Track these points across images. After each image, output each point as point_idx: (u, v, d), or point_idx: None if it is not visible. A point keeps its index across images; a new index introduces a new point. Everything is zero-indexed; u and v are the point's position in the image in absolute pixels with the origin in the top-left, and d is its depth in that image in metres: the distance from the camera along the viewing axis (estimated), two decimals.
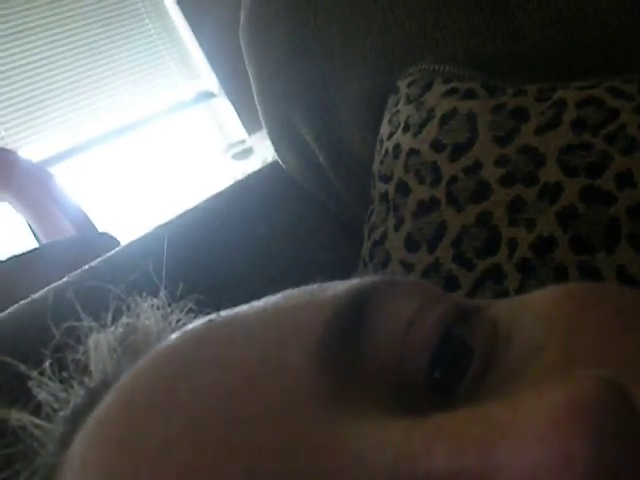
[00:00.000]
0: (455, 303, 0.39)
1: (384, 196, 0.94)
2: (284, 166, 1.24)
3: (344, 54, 1.11)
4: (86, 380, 0.50)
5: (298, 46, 1.17)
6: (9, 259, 1.82)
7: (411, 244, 0.86)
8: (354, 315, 0.37)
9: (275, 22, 1.20)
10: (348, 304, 0.38)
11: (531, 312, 0.38)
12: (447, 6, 0.98)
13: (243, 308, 0.42)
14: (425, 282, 0.43)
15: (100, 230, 2.13)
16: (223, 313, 0.43)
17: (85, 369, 0.52)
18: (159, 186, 3.57)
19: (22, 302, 0.91)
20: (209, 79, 3.88)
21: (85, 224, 2.14)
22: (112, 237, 1.83)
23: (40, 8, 3.49)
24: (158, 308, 0.55)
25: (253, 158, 3.70)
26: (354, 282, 0.40)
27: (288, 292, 0.42)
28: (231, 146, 3.84)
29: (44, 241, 2.22)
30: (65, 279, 0.92)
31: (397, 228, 0.89)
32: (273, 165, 1.27)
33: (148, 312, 0.54)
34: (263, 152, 3.40)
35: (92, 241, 1.86)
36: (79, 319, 0.55)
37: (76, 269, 0.95)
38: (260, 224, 1.08)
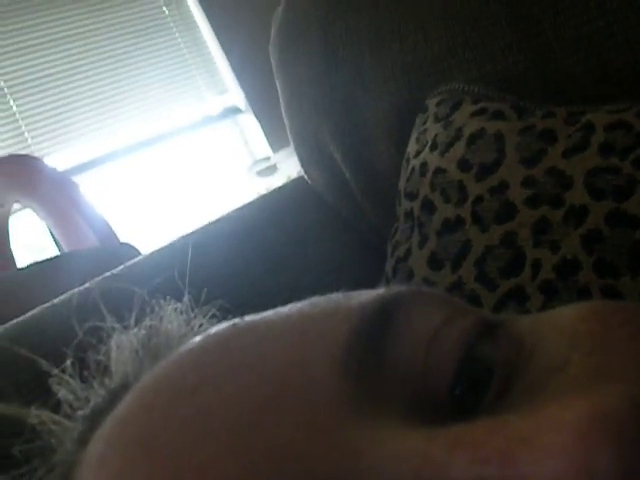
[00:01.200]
0: (480, 317, 0.39)
1: (409, 214, 0.95)
2: (310, 181, 1.25)
3: (373, 71, 1.12)
4: (107, 380, 0.51)
5: (328, 62, 1.18)
6: (30, 266, 1.83)
7: (434, 262, 0.87)
8: (380, 323, 0.38)
9: (305, 38, 1.21)
10: (374, 312, 0.38)
11: (556, 327, 0.38)
12: (478, 27, 0.99)
13: (268, 314, 0.43)
14: (451, 295, 0.43)
15: (122, 241, 2.15)
16: (248, 318, 0.43)
17: (106, 369, 0.52)
18: (183, 200, 3.58)
19: (44, 305, 0.93)
20: (236, 95, 3.89)
21: (108, 234, 2.15)
22: (134, 248, 1.84)
23: (71, 19, 3.53)
24: (181, 312, 0.56)
25: (277, 175, 3.71)
26: (380, 291, 0.40)
27: (314, 299, 0.43)
28: (256, 163, 3.85)
29: (66, 249, 2.23)
30: (88, 284, 0.94)
31: (421, 246, 0.90)
32: (299, 180, 1.28)
33: (171, 316, 0.55)
34: (288, 170, 3.41)
35: (114, 252, 1.87)
36: (102, 320, 0.56)
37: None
38: (284, 237, 1.09)
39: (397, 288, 0.40)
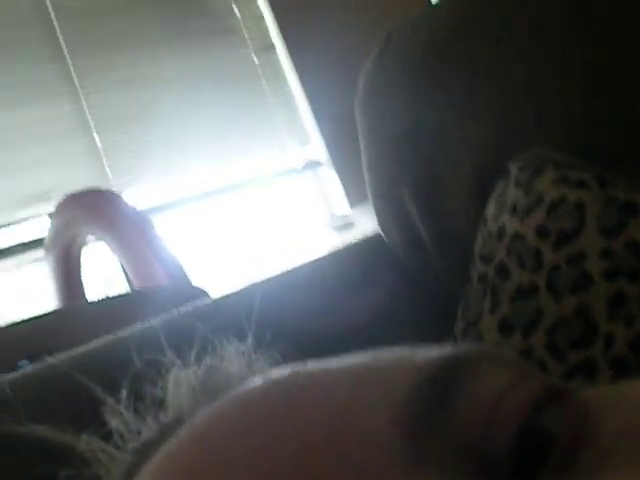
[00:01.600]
0: (548, 382, 0.38)
1: (483, 277, 0.94)
2: (385, 237, 1.25)
3: (457, 132, 1.12)
4: (161, 415, 0.51)
5: (412, 120, 1.19)
6: (101, 301, 1.86)
7: (505, 328, 0.87)
8: (443, 383, 0.37)
9: (392, 94, 1.23)
10: (438, 370, 0.38)
11: (628, 398, 0.38)
12: (566, 92, 0.99)
13: (330, 361, 0.42)
14: (520, 357, 0.43)
15: (194, 284, 2.16)
16: (310, 364, 0.43)
17: (161, 404, 0.52)
18: (257, 249, 3.60)
19: (108, 337, 0.94)
20: (318, 147, 3.93)
21: (179, 276, 2.17)
22: (205, 292, 1.85)
23: (162, 59, 3.61)
24: (243, 354, 0.56)
25: (354, 231, 3.72)
26: (447, 348, 0.40)
27: (378, 351, 0.42)
28: (333, 217, 3.87)
29: (136, 286, 2.26)
30: (153, 320, 0.95)
31: (493, 311, 0.90)
32: (374, 236, 1.28)
33: (233, 356, 0.55)
34: (364, 226, 3.42)
35: (185, 293, 1.88)
36: (162, 354, 0.56)
37: None
38: (354, 290, 1.09)
39: (464, 346, 0.40)
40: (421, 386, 0.37)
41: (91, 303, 2.41)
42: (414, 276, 1.21)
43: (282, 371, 0.42)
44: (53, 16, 3.38)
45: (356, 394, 0.38)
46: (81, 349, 0.93)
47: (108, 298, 1.86)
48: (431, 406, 0.36)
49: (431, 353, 0.40)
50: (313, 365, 0.43)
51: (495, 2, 1.15)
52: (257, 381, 0.42)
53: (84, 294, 2.55)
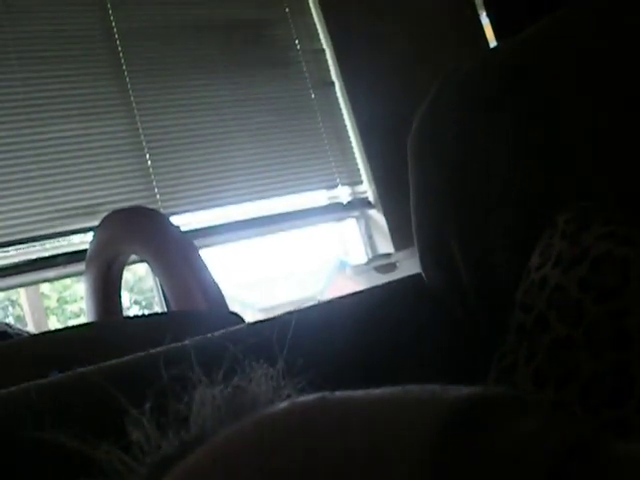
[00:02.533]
0: (577, 433, 0.38)
1: (521, 326, 0.94)
2: (426, 279, 1.25)
3: (504, 180, 1.13)
4: (183, 431, 0.51)
5: (462, 165, 1.19)
6: (138, 317, 1.86)
7: (539, 379, 0.86)
8: (472, 424, 0.37)
9: (444, 138, 1.23)
10: (468, 411, 0.38)
11: None
12: (621, 146, 0.99)
13: (358, 393, 0.42)
14: (551, 405, 0.42)
15: (231, 310, 2.16)
16: (338, 393, 0.43)
17: (185, 420, 0.52)
18: (296, 280, 3.61)
19: (139, 353, 0.95)
20: (367, 187, 3.93)
21: (218, 301, 2.17)
22: (241, 319, 1.85)
23: (219, 86, 3.65)
24: (272, 378, 0.55)
25: (396, 274, 3.71)
26: (477, 389, 0.40)
27: (408, 386, 0.42)
28: (376, 257, 3.86)
29: (173, 307, 2.26)
30: (186, 341, 0.96)
31: (528, 361, 0.89)
32: (415, 277, 1.28)
33: (261, 379, 0.55)
34: (407, 269, 3.41)
35: (221, 319, 1.88)
36: (191, 371, 0.56)
37: None
38: (388, 327, 1.09)
39: (495, 390, 0.39)
40: (449, 427, 0.36)
41: (127, 319, 2.41)
42: (452, 319, 1.21)
43: (309, 399, 0.42)
44: (117, 35, 3.44)
45: (384, 428, 0.37)
46: (110, 362, 0.94)
47: (144, 316, 1.86)
48: (458, 448, 0.36)
49: (461, 392, 0.39)
50: (340, 395, 0.43)
51: (546, 53, 1.15)
52: (283, 406, 0.42)
53: (121, 311, 2.56)
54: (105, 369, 0.92)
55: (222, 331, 1.02)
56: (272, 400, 0.52)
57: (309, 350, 0.85)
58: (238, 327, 1.02)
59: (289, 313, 1.09)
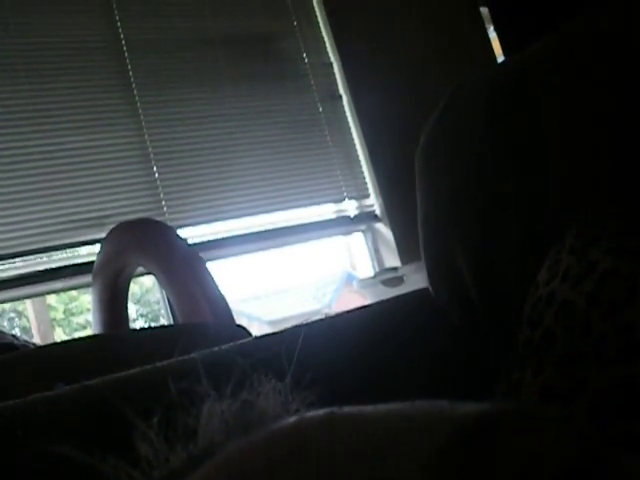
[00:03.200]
0: (586, 447, 0.38)
1: (528, 341, 0.94)
2: (433, 293, 1.25)
3: (513, 196, 1.13)
4: (191, 445, 0.51)
5: (470, 180, 1.19)
6: (144, 329, 1.86)
7: (547, 394, 0.86)
8: (479, 439, 0.37)
9: (452, 152, 1.23)
10: (475, 426, 0.38)
11: None
12: (625, 163, 0.99)
13: (367, 408, 0.42)
14: (561, 420, 0.42)
15: (237, 323, 2.16)
16: (346, 408, 0.43)
17: (193, 434, 0.52)
18: (301, 293, 3.60)
19: (146, 366, 0.95)
20: (374, 201, 3.93)
21: (225, 314, 2.17)
22: (248, 332, 1.84)
23: (227, 98, 3.65)
24: (280, 393, 0.55)
25: (403, 288, 3.71)
26: (485, 405, 0.40)
27: (417, 402, 0.42)
28: (383, 271, 3.86)
29: (179, 319, 2.27)
30: (194, 354, 0.95)
31: (535, 376, 0.89)
32: (422, 291, 1.28)
33: (269, 394, 0.55)
34: (414, 284, 3.41)
35: (228, 332, 1.88)
36: (199, 384, 0.56)
37: None
38: (395, 341, 1.09)
39: (503, 404, 0.39)
40: (457, 440, 0.37)
41: (133, 331, 2.42)
42: (459, 334, 1.20)
43: (317, 414, 0.43)
44: (125, 47, 3.45)
45: (392, 443, 0.37)
46: (118, 375, 0.94)
47: (151, 328, 1.86)
48: (465, 461, 0.36)
49: (469, 408, 0.39)
50: (349, 410, 0.42)
51: (552, 70, 1.15)
52: (291, 421, 0.42)
53: (127, 323, 2.57)
54: (112, 382, 0.92)
55: (230, 344, 1.02)
56: (280, 415, 0.52)
57: (317, 364, 0.85)
58: (246, 341, 1.02)
59: (297, 327, 1.09)
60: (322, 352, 1.00)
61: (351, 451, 0.37)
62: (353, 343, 1.08)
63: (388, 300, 1.27)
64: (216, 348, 1.02)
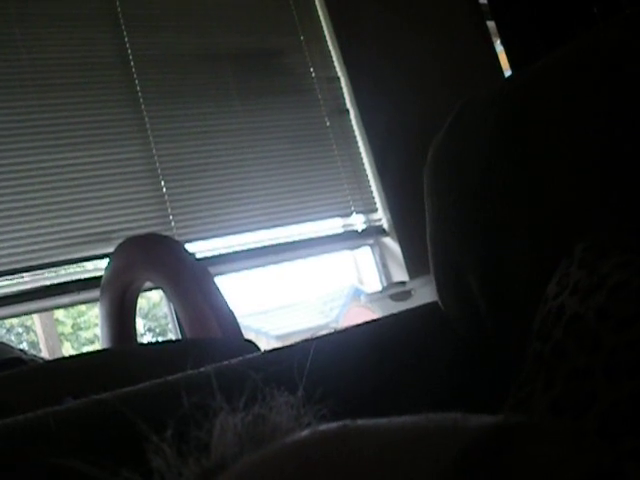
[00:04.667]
0: (599, 461, 0.38)
1: (538, 355, 0.94)
2: (443, 307, 1.25)
3: (522, 209, 1.13)
4: (203, 459, 0.51)
5: (479, 193, 1.20)
6: (151, 345, 1.86)
7: (556, 409, 0.86)
8: (494, 452, 0.37)
9: (461, 166, 1.24)
10: (490, 438, 0.38)
11: None
12: (628, 175, 1.00)
13: (381, 421, 0.42)
14: (574, 432, 0.42)
15: (246, 338, 2.16)
16: (360, 421, 0.43)
17: (205, 447, 0.52)
18: (309, 308, 3.60)
19: (155, 380, 0.95)
20: (382, 215, 3.93)
21: (233, 329, 2.17)
22: (256, 346, 1.84)
23: (235, 114, 3.66)
24: (292, 407, 0.56)
25: (411, 302, 3.70)
26: (499, 417, 0.40)
27: (430, 414, 0.42)
28: (391, 286, 3.86)
29: (187, 334, 2.27)
30: (207, 368, 0.96)
31: (545, 390, 0.89)
32: (431, 305, 1.28)
33: (282, 408, 0.55)
34: (422, 298, 3.40)
35: (236, 346, 1.88)
36: (212, 397, 0.56)
37: None
38: (407, 356, 1.10)
39: (517, 417, 0.39)
40: (471, 453, 0.37)
41: (141, 346, 2.42)
42: (469, 347, 1.21)
43: (331, 427, 0.43)
44: (132, 62, 3.46)
45: (406, 455, 0.38)
46: (129, 389, 0.94)
47: (158, 343, 1.86)
48: (482, 472, 0.36)
49: (483, 421, 0.40)
50: (362, 423, 0.43)
51: (562, 81, 1.16)
52: (305, 434, 0.42)
53: (135, 337, 2.57)
54: (125, 396, 0.92)
55: (241, 358, 1.02)
56: (293, 428, 0.52)
57: (328, 378, 0.85)
58: (257, 355, 1.02)
59: (307, 341, 1.10)
60: (333, 366, 1.01)
61: (366, 464, 0.37)
62: (363, 357, 1.09)
63: (397, 314, 1.27)
64: (228, 362, 1.02)
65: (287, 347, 1.08)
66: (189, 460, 0.52)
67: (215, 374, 0.63)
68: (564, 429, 0.43)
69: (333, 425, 0.43)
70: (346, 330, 1.16)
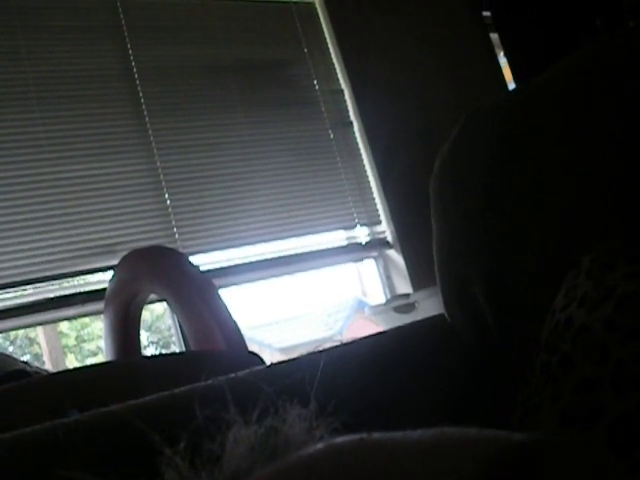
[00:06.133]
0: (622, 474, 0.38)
1: (546, 366, 0.94)
2: (449, 319, 1.26)
3: (529, 221, 1.13)
4: (216, 472, 0.51)
5: (486, 205, 1.20)
6: (155, 357, 1.86)
7: (565, 420, 0.86)
8: (514, 470, 0.37)
9: (467, 178, 1.24)
10: (510, 458, 0.37)
11: None
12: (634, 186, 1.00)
13: (398, 435, 0.42)
14: (598, 450, 0.41)
15: (250, 350, 2.16)
16: (376, 435, 0.43)
17: (218, 460, 0.52)
18: (313, 321, 3.60)
19: (166, 392, 0.95)
20: (386, 228, 3.94)
21: (237, 341, 2.17)
22: (260, 359, 1.84)
23: (239, 126, 3.67)
24: (305, 419, 0.56)
25: (415, 314, 3.70)
26: (517, 435, 0.39)
27: (446, 429, 0.42)
28: (395, 298, 3.86)
29: (192, 346, 2.27)
30: (216, 380, 0.96)
31: (554, 401, 0.89)
32: (437, 317, 1.29)
33: (295, 420, 0.55)
34: (426, 310, 3.41)
35: (240, 359, 1.89)
36: (225, 410, 0.56)
37: None
38: (414, 368, 1.10)
39: (535, 436, 0.39)
40: (493, 469, 0.36)
41: (145, 358, 2.42)
42: (473, 358, 1.21)
43: (347, 440, 0.42)
44: (136, 75, 3.47)
45: (425, 469, 0.37)
46: (140, 400, 0.94)
47: (163, 355, 1.86)
48: None
49: (500, 437, 0.39)
50: (379, 436, 0.42)
51: (567, 94, 1.16)
52: (321, 448, 0.42)
53: (139, 350, 2.57)
54: (137, 407, 0.92)
55: (252, 370, 1.02)
56: (305, 441, 0.52)
57: (338, 390, 0.86)
58: (268, 367, 1.03)
59: (316, 353, 1.10)
60: (342, 378, 1.01)
61: (384, 478, 0.37)
62: (370, 368, 1.09)
63: (404, 326, 1.28)
64: (238, 374, 1.02)
65: (296, 359, 1.08)
66: (202, 473, 0.52)
67: (228, 386, 0.63)
68: (580, 445, 0.42)
69: (349, 439, 0.43)
70: (353, 342, 1.16)
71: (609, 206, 1.07)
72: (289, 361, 1.08)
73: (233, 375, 0.99)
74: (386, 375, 1.09)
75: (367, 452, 0.40)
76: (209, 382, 0.95)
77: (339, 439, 0.43)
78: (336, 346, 1.15)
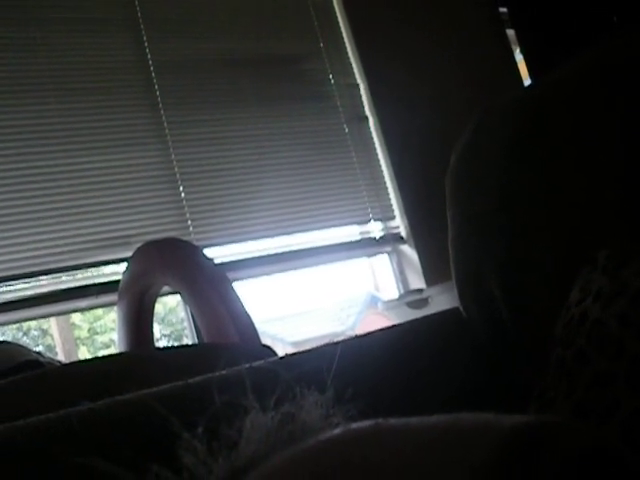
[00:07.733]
0: (626, 459, 0.38)
1: (560, 361, 0.94)
2: (464, 313, 1.26)
3: (544, 218, 1.13)
4: (233, 456, 0.52)
5: (501, 201, 1.20)
6: (171, 348, 1.86)
7: (579, 415, 0.86)
8: (528, 449, 0.37)
9: (483, 174, 1.24)
10: (523, 436, 0.38)
11: None
12: None
13: (413, 420, 0.43)
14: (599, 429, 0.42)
15: (263, 343, 2.16)
16: (392, 420, 0.43)
17: (235, 445, 0.53)
18: (326, 315, 3.60)
19: (180, 382, 0.96)
20: (400, 223, 3.94)
21: (251, 334, 2.17)
22: (274, 352, 1.84)
23: (254, 119, 3.67)
24: (322, 406, 0.56)
25: (428, 310, 3.70)
26: (531, 417, 0.40)
27: (461, 414, 0.42)
28: (408, 293, 3.86)
29: (205, 338, 2.27)
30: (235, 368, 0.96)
31: (568, 396, 0.89)
32: (452, 310, 1.29)
33: (311, 407, 0.55)
34: (439, 306, 3.40)
35: (254, 352, 1.88)
36: (243, 396, 0.57)
37: None
38: (429, 360, 1.10)
39: (549, 417, 0.39)
40: (508, 449, 0.37)
41: (158, 350, 2.42)
42: (490, 353, 1.21)
43: (363, 426, 0.43)
44: (152, 68, 3.48)
45: (441, 452, 0.38)
46: (156, 389, 0.95)
47: (176, 347, 1.86)
48: (516, 470, 0.36)
49: (516, 419, 0.40)
50: (395, 421, 0.43)
51: (582, 91, 1.16)
52: (338, 433, 0.43)
53: (152, 342, 2.57)
54: (156, 394, 0.92)
55: (271, 359, 1.03)
56: (322, 427, 0.52)
57: (355, 379, 0.86)
58: (287, 355, 1.03)
59: (332, 344, 1.10)
60: (357, 368, 1.01)
61: (400, 462, 0.38)
62: (385, 360, 1.09)
63: (418, 319, 1.28)
64: (255, 363, 1.02)
65: (312, 350, 1.08)
66: (219, 457, 0.52)
67: (247, 373, 0.63)
68: (593, 427, 0.43)
69: (366, 423, 0.44)
70: (368, 334, 1.17)
71: (619, 205, 1.07)
72: (306, 351, 1.08)
73: (252, 363, 1.00)
74: (400, 367, 1.09)
75: (384, 436, 0.41)
76: (230, 369, 0.95)
77: (356, 424, 0.44)
78: (352, 338, 1.15)
